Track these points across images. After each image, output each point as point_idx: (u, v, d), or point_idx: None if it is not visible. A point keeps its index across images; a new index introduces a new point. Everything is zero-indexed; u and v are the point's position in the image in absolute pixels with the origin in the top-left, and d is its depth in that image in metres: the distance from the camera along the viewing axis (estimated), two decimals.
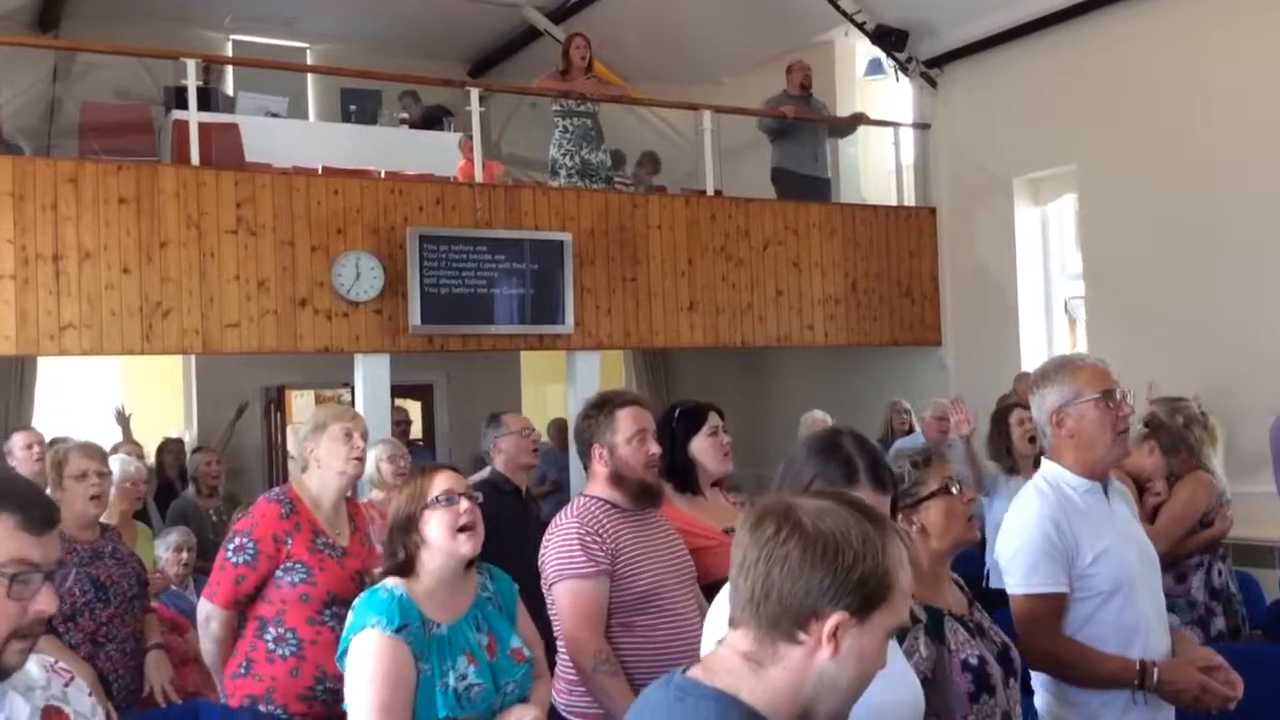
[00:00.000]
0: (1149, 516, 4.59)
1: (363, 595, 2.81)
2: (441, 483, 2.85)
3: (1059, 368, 2.91)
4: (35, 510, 1.65)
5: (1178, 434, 4.73)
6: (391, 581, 2.80)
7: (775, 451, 8.20)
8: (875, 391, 9.18)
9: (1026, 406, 6.58)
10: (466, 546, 2.81)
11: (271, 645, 3.47)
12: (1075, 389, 2.82)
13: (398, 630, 2.67)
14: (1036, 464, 5.27)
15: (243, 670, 3.49)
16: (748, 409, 9.94)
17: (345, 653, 2.76)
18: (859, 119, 9.45)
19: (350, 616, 2.78)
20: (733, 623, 1.62)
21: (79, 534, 3.97)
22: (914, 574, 1.67)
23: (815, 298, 8.84)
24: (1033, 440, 5.39)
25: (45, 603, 1.62)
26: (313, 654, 3.42)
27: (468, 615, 2.84)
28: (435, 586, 2.81)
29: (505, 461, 5.02)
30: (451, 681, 2.71)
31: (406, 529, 2.83)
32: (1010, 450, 5.58)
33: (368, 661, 2.66)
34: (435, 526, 2.81)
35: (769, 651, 1.57)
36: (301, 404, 10.22)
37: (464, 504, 2.83)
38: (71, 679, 1.83)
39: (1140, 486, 4.70)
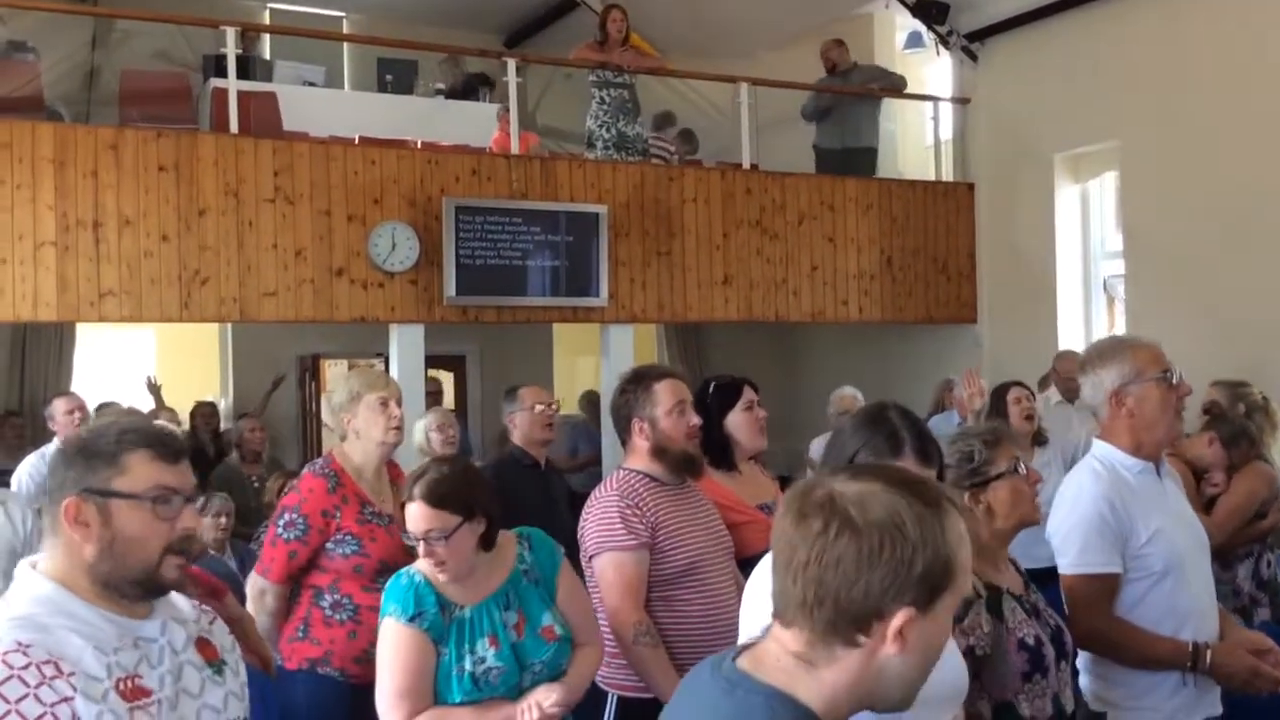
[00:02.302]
0: (1205, 507, 4.55)
1: (391, 579, 2.83)
2: (409, 523, 2.77)
3: (1115, 348, 2.90)
4: (164, 444, 1.90)
5: (1239, 425, 4.67)
6: (416, 564, 2.80)
7: (808, 427, 8.18)
8: (909, 368, 9.13)
9: (1065, 385, 6.57)
10: (441, 579, 2.76)
11: (329, 611, 3.51)
12: (1136, 368, 2.81)
13: (411, 619, 2.70)
14: (1034, 442, 5.30)
15: (300, 634, 3.52)
16: (781, 384, 9.90)
17: None
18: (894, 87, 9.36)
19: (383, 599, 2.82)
20: (782, 619, 1.45)
21: None
22: (975, 549, 1.55)
23: (850, 273, 8.78)
24: (1029, 419, 5.40)
25: (189, 520, 1.87)
26: (370, 619, 3.40)
27: (496, 594, 2.80)
28: None
29: (521, 436, 5.07)
30: (469, 666, 2.70)
31: None
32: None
33: (387, 649, 2.73)
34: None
35: (823, 654, 1.42)
36: (336, 373, 10.24)
37: (422, 549, 2.75)
38: (215, 619, 2.06)
39: (1197, 475, 4.64)
